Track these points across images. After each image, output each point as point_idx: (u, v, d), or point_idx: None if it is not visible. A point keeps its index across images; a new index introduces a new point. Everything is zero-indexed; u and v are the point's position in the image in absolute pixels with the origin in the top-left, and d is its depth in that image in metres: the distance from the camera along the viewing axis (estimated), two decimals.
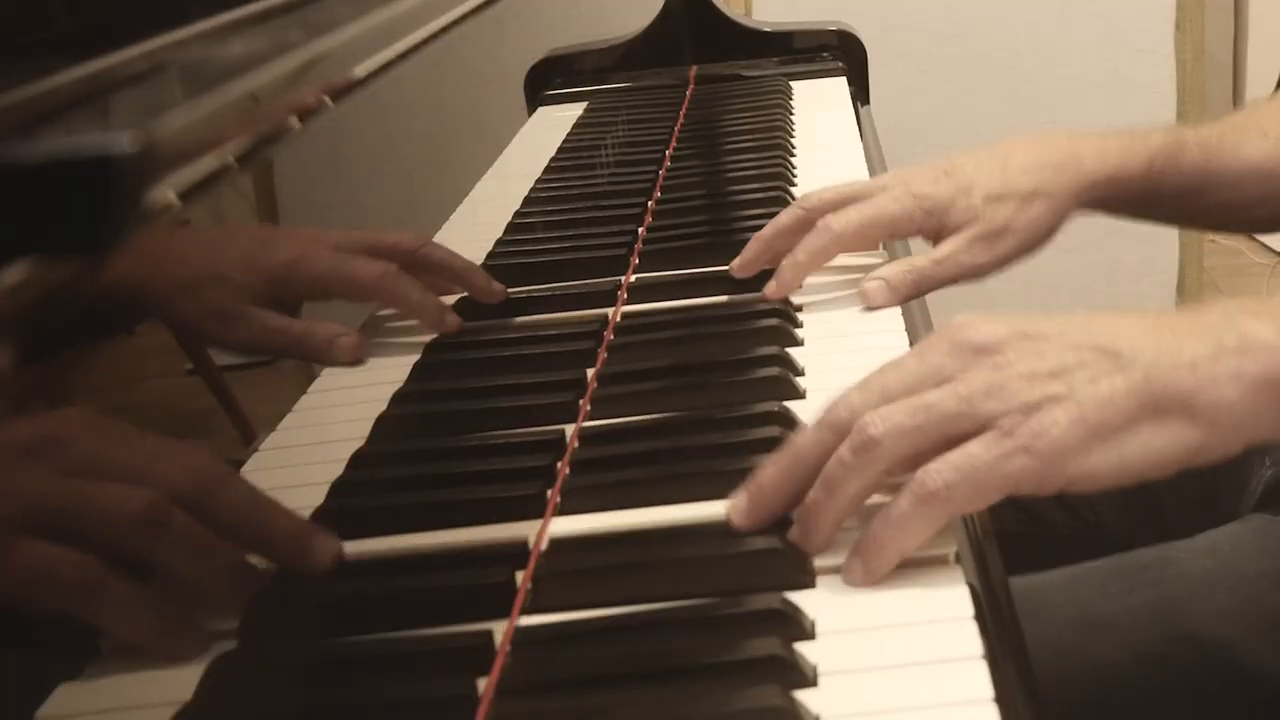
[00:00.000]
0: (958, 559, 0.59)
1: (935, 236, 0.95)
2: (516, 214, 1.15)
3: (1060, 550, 0.98)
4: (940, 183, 0.94)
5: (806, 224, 0.93)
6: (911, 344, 0.83)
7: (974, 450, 0.59)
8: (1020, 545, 0.95)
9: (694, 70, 1.63)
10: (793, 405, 0.75)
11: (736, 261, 0.95)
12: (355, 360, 0.88)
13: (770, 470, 0.62)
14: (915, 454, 0.60)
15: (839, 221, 0.91)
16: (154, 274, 0.72)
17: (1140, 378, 0.59)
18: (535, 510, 0.67)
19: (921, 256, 0.92)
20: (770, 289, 0.91)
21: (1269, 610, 0.87)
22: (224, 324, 0.80)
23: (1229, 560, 0.91)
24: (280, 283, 0.87)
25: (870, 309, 0.88)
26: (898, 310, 0.88)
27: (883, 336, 0.85)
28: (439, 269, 0.94)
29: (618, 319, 0.91)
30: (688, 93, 1.54)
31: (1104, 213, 1.01)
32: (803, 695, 0.52)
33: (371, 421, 0.79)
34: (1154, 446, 0.59)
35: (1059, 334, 0.62)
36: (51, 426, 0.57)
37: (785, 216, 0.95)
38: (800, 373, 0.80)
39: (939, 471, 0.58)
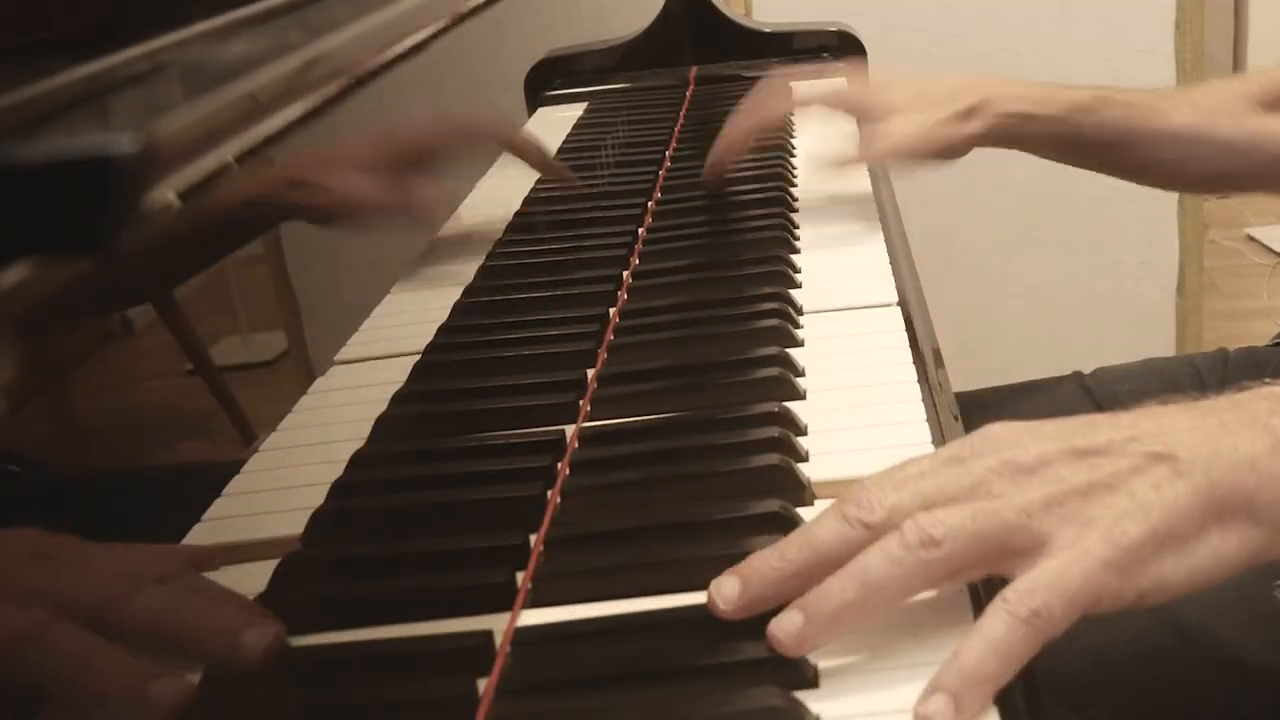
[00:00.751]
0: None
1: (865, 117, 1.11)
2: (516, 214, 1.15)
3: None
4: (874, 94, 1.11)
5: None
6: (911, 343, 0.83)
7: (1054, 566, 0.54)
8: None
9: (694, 70, 1.63)
10: (793, 406, 0.75)
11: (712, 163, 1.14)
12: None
13: (776, 561, 0.56)
14: (973, 564, 0.55)
15: (785, 100, 1.15)
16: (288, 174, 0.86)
17: (1204, 481, 0.56)
18: (535, 511, 0.67)
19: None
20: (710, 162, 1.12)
21: (1253, 599, 0.88)
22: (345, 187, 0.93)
23: None
24: (416, 143, 1.04)
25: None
26: (897, 310, 0.88)
27: (883, 336, 0.85)
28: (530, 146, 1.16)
29: (617, 319, 0.91)
30: (688, 93, 1.54)
31: (1020, 148, 1.14)
32: (803, 696, 0.52)
33: (371, 422, 0.79)
34: (1223, 552, 0.56)
35: (1108, 444, 0.58)
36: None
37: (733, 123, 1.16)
38: (800, 373, 0.80)
39: (1031, 591, 0.53)
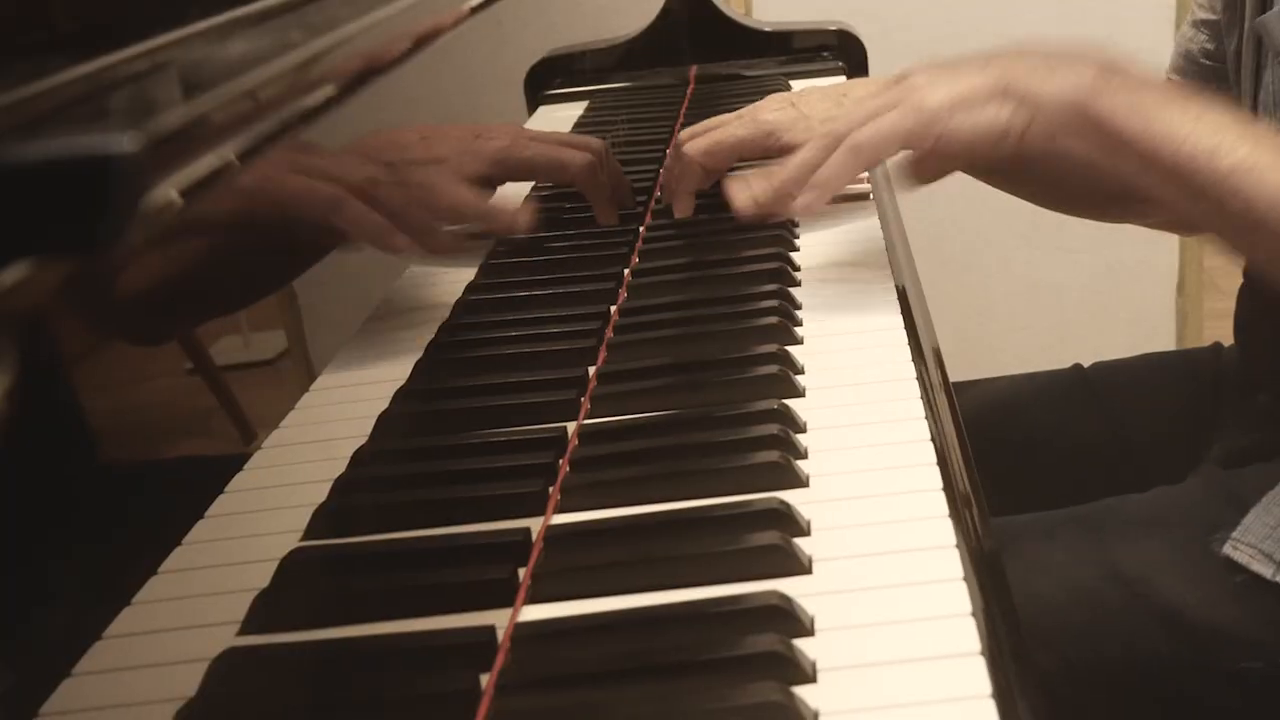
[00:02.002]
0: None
1: (782, 153, 1.06)
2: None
3: None
4: (783, 110, 1.11)
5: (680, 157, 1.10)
6: (910, 341, 0.84)
7: (880, 118, 0.86)
8: None
9: (694, 70, 1.63)
10: (792, 403, 0.75)
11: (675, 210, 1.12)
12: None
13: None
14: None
15: (692, 148, 1.09)
16: (380, 155, 0.93)
17: (999, 74, 0.85)
18: (536, 507, 0.67)
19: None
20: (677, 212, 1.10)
21: (1193, 553, 0.97)
22: (428, 194, 0.96)
23: (1167, 510, 1.02)
24: (498, 163, 1.05)
25: (742, 216, 0.98)
26: (897, 310, 0.88)
27: (882, 334, 0.85)
28: (615, 176, 1.12)
29: (618, 317, 0.91)
30: (688, 93, 1.54)
31: None
32: (802, 691, 0.52)
33: (373, 420, 0.79)
34: (1000, 116, 0.84)
35: (969, 61, 0.87)
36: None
37: (668, 161, 1.14)
38: (800, 371, 0.80)
39: (858, 132, 0.86)
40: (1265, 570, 0.94)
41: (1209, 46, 1.18)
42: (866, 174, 1.12)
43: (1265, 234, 0.81)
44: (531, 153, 1.08)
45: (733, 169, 1.10)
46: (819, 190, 0.88)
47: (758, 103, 1.14)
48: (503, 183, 1.09)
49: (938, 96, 0.85)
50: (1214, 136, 0.82)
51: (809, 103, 1.11)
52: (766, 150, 1.10)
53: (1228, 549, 0.95)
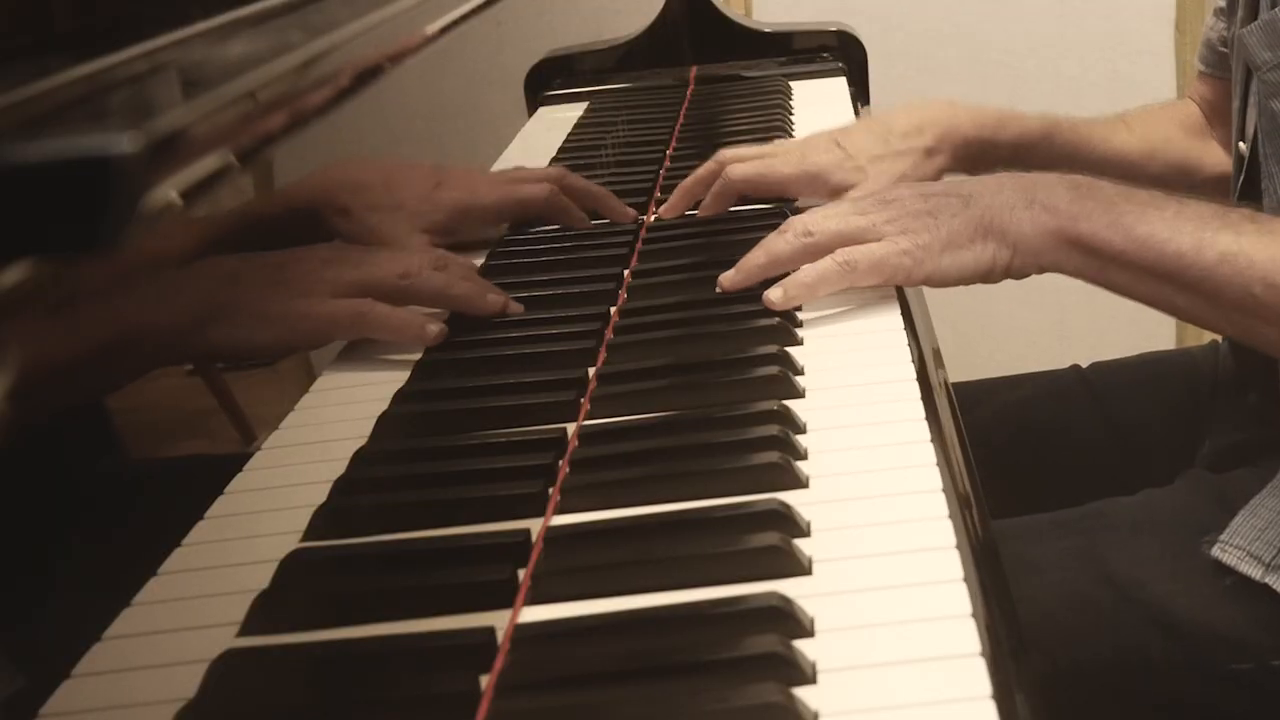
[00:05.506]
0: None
1: (830, 196, 1.09)
2: None
3: None
4: (830, 151, 1.12)
5: (717, 174, 1.09)
6: (910, 342, 0.83)
7: (874, 246, 0.89)
8: None
9: (694, 70, 1.63)
10: (792, 404, 0.75)
11: (664, 208, 1.12)
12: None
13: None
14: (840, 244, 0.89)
15: (735, 171, 1.09)
16: (336, 197, 0.92)
17: (980, 213, 0.89)
18: (536, 508, 0.67)
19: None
20: (664, 210, 1.11)
21: (1182, 556, 0.98)
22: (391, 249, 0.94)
23: (1157, 512, 1.03)
24: (458, 214, 1.04)
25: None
26: (897, 310, 0.88)
27: (883, 335, 0.85)
28: (583, 193, 1.10)
29: (618, 318, 0.91)
30: (688, 93, 1.54)
31: (976, 172, 1.17)
32: (801, 692, 0.52)
33: (373, 420, 0.79)
34: (983, 257, 0.89)
35: (944, 191, 0.92)
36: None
37: (702, 169, 1.11)
38: (800, 372, 0.80)
39: (852, 250, 0.88)
40: (1254, 571, 0.94)
41: (1226, 34, 1.19)
42: None
43: (1265, 314, 0.86)
44: (492, 199, 1.07)
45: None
46: (803, 292, 0.88)
47: (805, 139, 1.16)
48: (467, 235, 1.06)
49: (927, 238, 0.89)
50: (1195, 233, 0.86)
51: (853, 141, 1.12)
52: (813, 192, 1.11)
53: (1216, 551, 0.96)
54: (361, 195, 0.96)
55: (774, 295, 0.88)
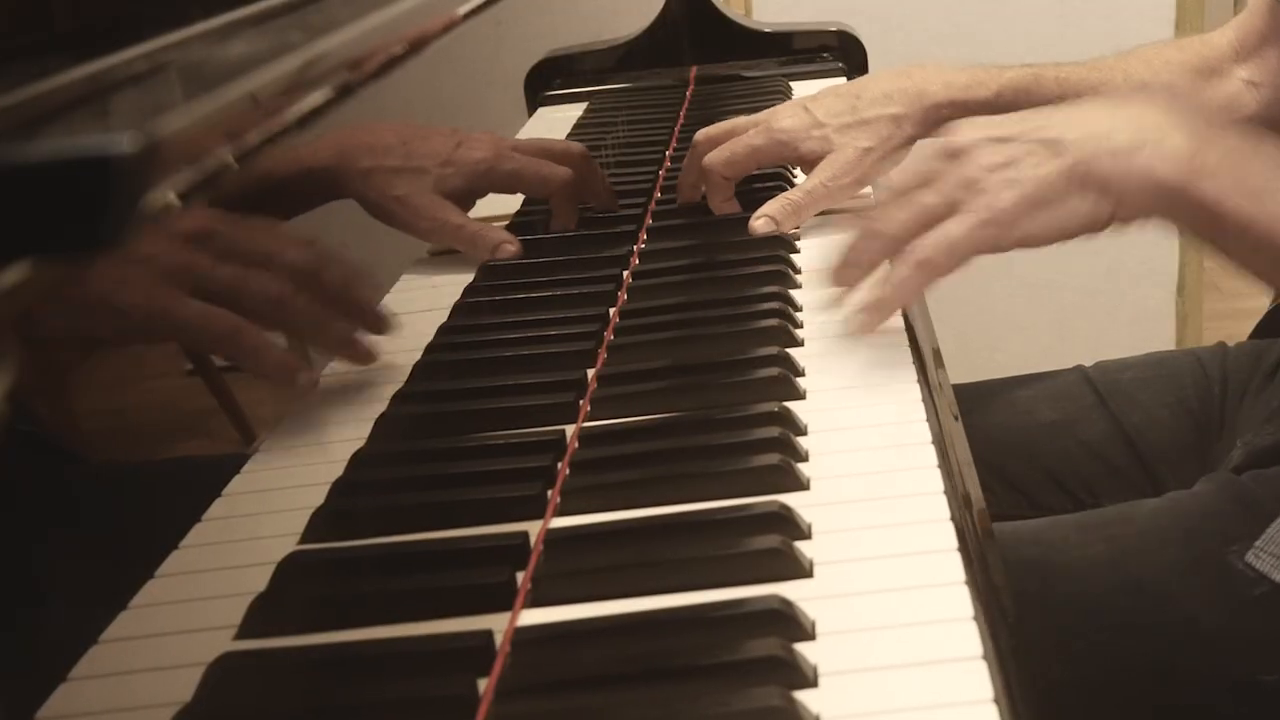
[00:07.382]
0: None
1: (799, 164, 1.10)
2: (517, 214, 1.14)
3: None
4: (797, 116, 1.09)
5: (698, 159, 1.10)
6: (911, 342, 0.83)
7: (949, 227, 0.79)
8: None
9: (694, 70, 1.63)
10: (793, 405, 0.75)
11: (679, 201, 1.13)
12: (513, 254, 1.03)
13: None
14: (913, 234, 0.80)
15: (712, 161, 1.08)
16: (353, 156, 0.92)
17: (1072, 160, 0.78)
18: (535, 511, 0.67)
19: (796, 189, 1.08)
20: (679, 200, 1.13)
21: (1208, 562, 0.95)
22: (408, 210, 0.97)
23: (1182, 518, 0.99)
24: (479, 176, 1.04)
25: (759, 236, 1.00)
26: (898, 310, 0.88)
27: (883, 335, 0.84)
28: (593, 183, 1.11)
29: (617, 319, 0.90)
30: (688, 93, 1.54)
31: None
32: (803, 696, 0.52)
33: (372, 422, 0.78)
34: (1080, 212, 0.78)
35: (1020, 133, 0.80)
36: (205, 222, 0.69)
37: (686, 160, 1.13)
38: (800, 373, 0.80)
39: (923, 245, 0.79)
40: None
41: None
42: (870, 188, 1.12)
43: None
44: (515, 165, 1.06)
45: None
46: (883, 311, 0.82)
47: (773, 109, 1.13)
48: (484, 195, 1.07)
49: (1008, 198, 0.78)
50: None
51: (822, 106, 1.09)
52: (783, 160, 1.11)
53: (1250, 557, 0.93)
54: (382, 157, 0.96)
55: (855, 324, 0.83)
